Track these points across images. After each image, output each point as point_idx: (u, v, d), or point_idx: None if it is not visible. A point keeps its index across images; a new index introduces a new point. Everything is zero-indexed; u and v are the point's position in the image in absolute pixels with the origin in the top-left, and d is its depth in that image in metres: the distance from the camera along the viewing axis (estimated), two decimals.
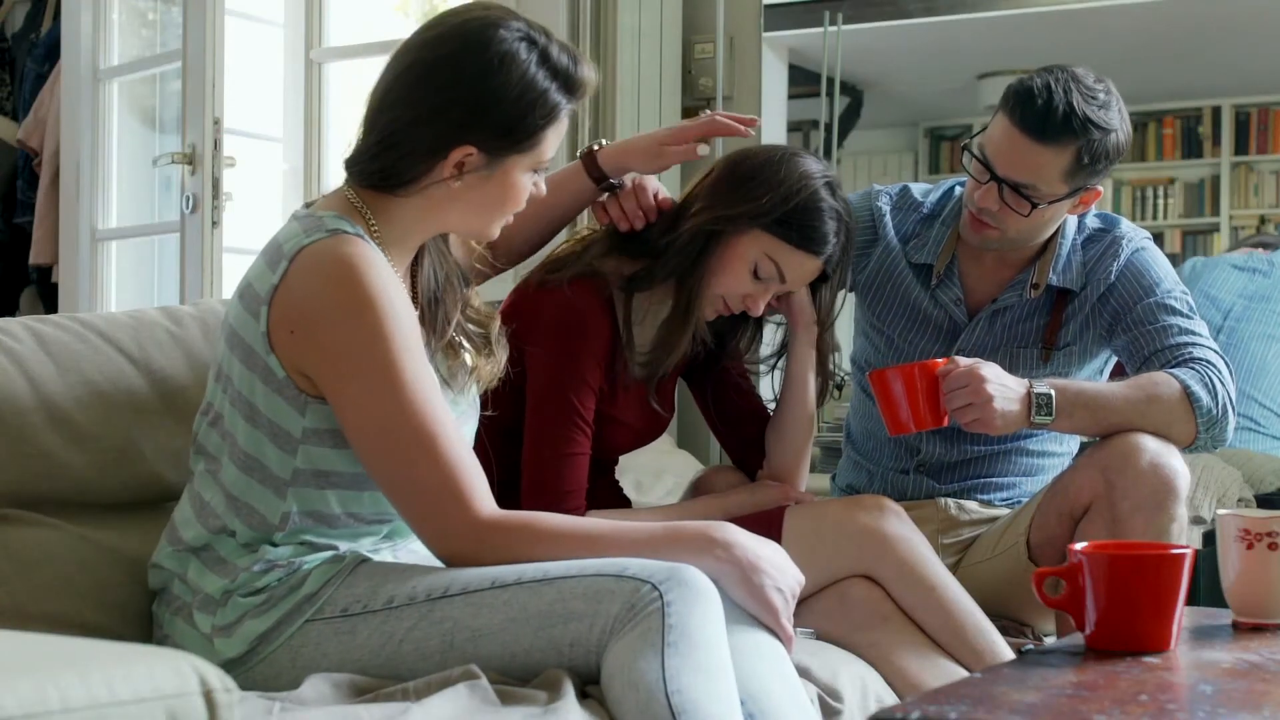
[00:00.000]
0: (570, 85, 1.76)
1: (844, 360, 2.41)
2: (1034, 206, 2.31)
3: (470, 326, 1.88)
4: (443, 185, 1.74)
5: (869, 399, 2.42)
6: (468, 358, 1.84)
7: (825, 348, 2.32)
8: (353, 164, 1.78)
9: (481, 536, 1.68)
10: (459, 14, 1.77)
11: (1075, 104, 2.25)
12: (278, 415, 1.70)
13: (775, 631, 1.73)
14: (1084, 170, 2.29)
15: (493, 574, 1.65)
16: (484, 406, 1.93)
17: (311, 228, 1.70)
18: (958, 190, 2.52)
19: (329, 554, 1.73)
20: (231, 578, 1.71)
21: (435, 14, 1.79)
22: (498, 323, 1.91)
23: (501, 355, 1.89)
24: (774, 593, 1.73)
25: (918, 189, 2.58)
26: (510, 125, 1.72)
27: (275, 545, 1.73)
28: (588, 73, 1.78)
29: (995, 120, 2.33)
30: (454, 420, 1.72)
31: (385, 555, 1.80)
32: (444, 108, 1.71)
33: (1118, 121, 2.30)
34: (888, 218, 2.53)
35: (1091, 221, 2.47)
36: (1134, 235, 2.45)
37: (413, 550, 1.82)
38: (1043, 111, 2.25)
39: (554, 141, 1.78)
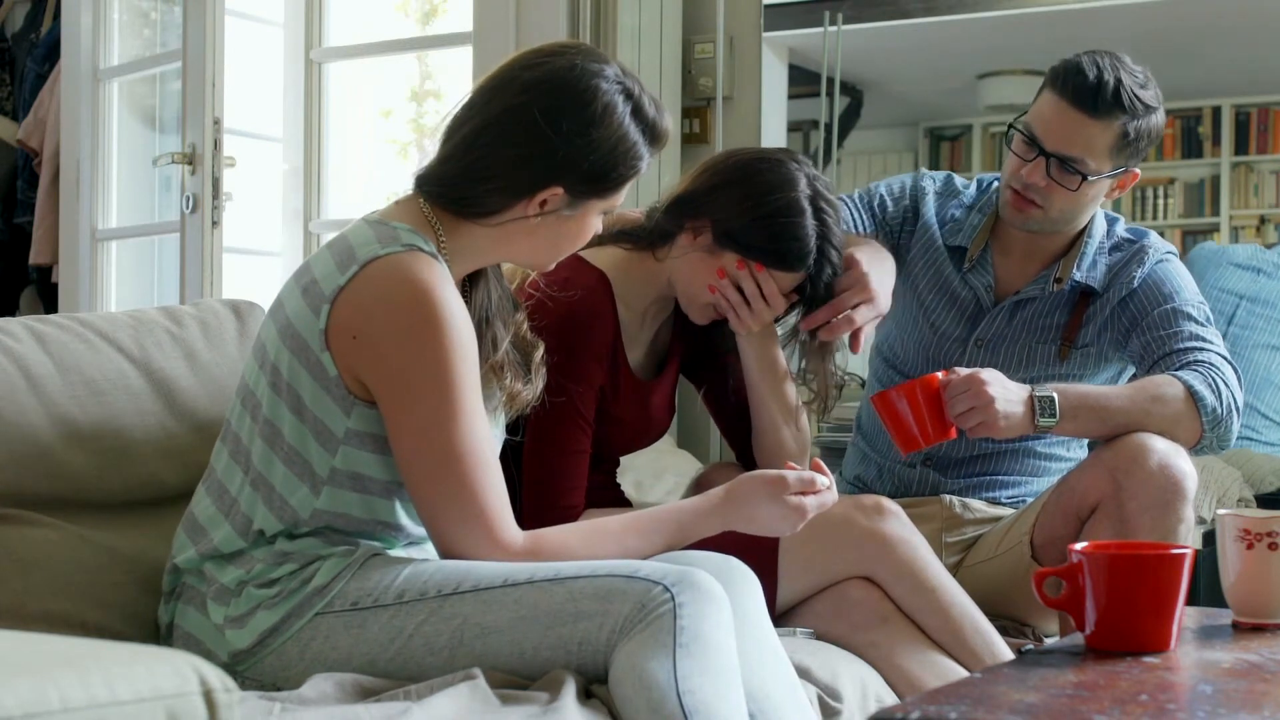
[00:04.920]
0: (655, 137, 1.83)
1: (843, 359, 2.42)
2: (1082, 180, 2.34)
3: (515, 352, 1.91)
4: (522, 220, 1.79)
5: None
6: (508, 381, 1.87)
7: (823, 372, 2.31)
8: (430, 183, 1.81)
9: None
10: (562, 58, 1.79)
11: (1123, 80, 2.31)
12: (323, 412, 1.72)
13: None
14: (1128, 148, 2.35)
15: (505, 571, 1.68)
16: (514, 431, 1.98)
17: (387, 238, 1.73)
18: (994, 184, 2.56)
19: (343, 549, 1.74)
20: (247, 568, 1.73)
21: (531, 50, 1.84)
22: (540, 351, 1.94)
23: (539, 383, 1.93)
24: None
25: (960, 180, 2.64)
26: (601, 173, 1.78)
27: (293, 538, 1.74)
28: (668, 123, 1.86)
29: (1042, 98, 2.38)
30: (493, 448, 1.76)
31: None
32: (542, 153, 1.76)
33: (1157, 103, 2.36)
34: (930, 198, 2.59)
35: (1121, 230, 2.51)
36: (1160, 246, 2.49)
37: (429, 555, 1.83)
38: (1094, 86, 2.31)
39: (629, 188, 1.85)
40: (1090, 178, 2.35)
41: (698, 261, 2.19)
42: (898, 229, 2.58)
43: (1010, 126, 2.42)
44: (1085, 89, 2.31)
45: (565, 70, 1.78)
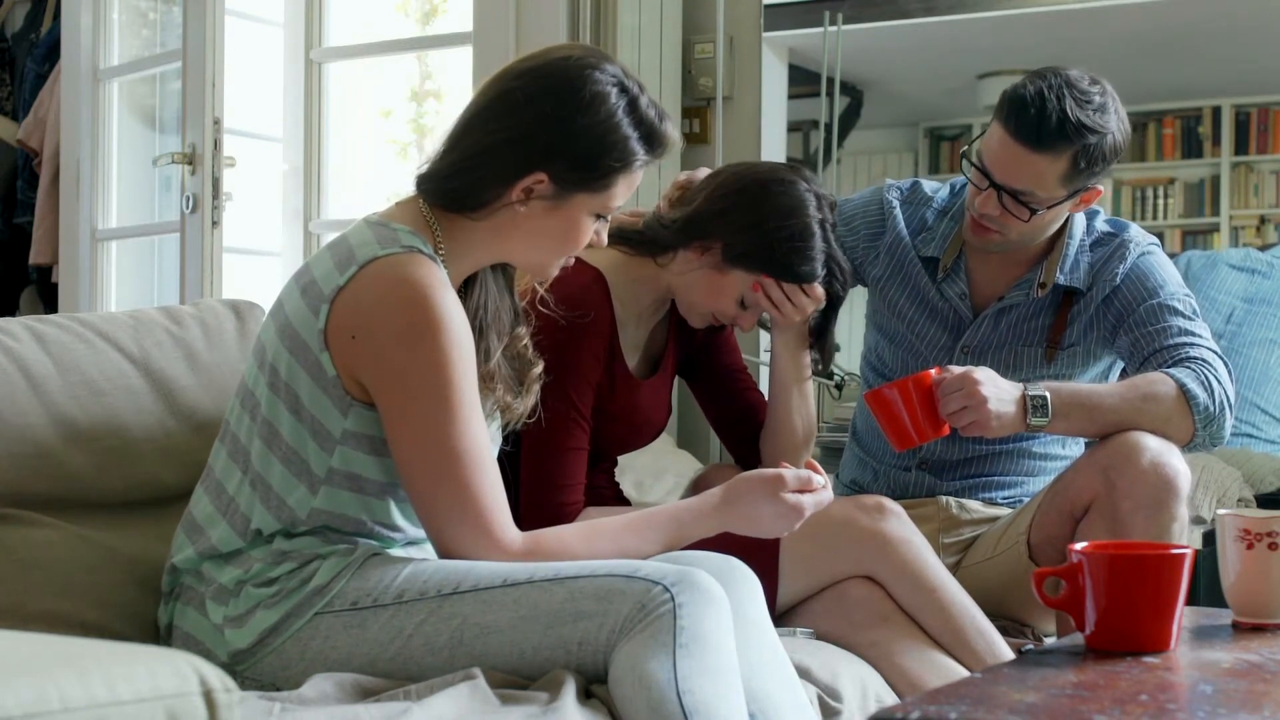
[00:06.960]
0: (652, 139, 1.80)
1: (847, 361, 2.43)
2: (1033, 212, 2.32)
3: (509, 365, 1.90)
4: (509, 210, 1.77)
5: None
6: (499, 392, 1.86)
7: (826, 348, 2.34)
8: (427, 181, 1.81)
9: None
10: (559, 51, 1.80)
11: (1069, 110, 2.25)
12: (320, 412, 1.72)
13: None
14: (1082, 174, 2.30)
15: (505, 571, 1.68)
16: (506, 441, 1.97)
17: (386, 239, 1.73)
18: (966, 187, 2.53)
19: (342, 547, 1.74)
20: (246, 568, 1.73)
21: (535, 51, 1.84)
22: (538, 369, 1.93)
23: (531, 400, 1.92)
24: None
25: (928, 185, 2.61)
26: (586, 161, 1.76)
27: (291, 537, 1.74)
28: (672, 132, 1.83)
29: (991, 128, 2.34)
30: (490, 449, 1.75)
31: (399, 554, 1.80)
32: (527, 135, 1.75)
33: (1114, 123, 2.30)
34: (897, 210, 2.56)
35: (1101, 225, 2.48)
36: (1141, 239, 2.46)
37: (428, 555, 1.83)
38: (1036, 120, 2.25)
39: (624, 191, 1.82)
40: (1041, 209, 2.32)
41: (703, 278, 2.21)
42: (861, 252, 2.57)
43: (964, 155, 2.40)
44: (1027, 123, 2.26)
45: (559, 61, 1.78)
